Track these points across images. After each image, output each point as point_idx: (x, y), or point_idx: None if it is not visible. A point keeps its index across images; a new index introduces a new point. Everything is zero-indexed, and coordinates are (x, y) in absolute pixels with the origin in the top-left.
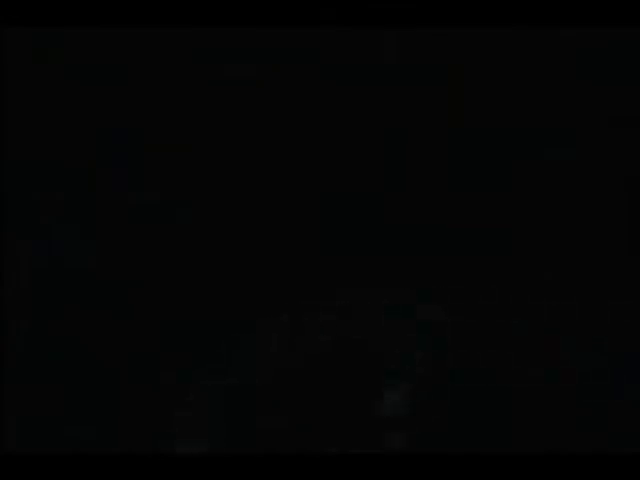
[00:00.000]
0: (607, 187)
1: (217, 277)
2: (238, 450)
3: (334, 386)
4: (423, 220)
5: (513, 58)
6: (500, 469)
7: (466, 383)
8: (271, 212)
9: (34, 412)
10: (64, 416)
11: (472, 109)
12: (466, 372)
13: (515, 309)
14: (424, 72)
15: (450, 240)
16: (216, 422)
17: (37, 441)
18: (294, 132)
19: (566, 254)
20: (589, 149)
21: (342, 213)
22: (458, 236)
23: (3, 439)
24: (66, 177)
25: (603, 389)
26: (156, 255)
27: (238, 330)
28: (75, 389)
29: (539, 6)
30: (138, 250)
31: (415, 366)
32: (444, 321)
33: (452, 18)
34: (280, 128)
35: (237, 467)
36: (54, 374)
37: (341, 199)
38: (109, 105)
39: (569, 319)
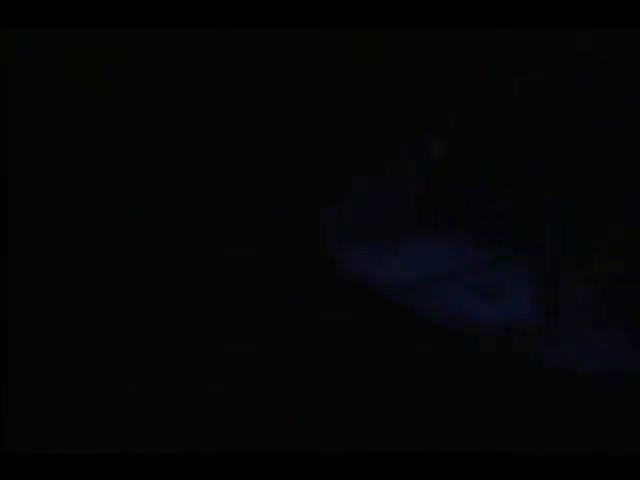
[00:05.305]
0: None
1: (218, 277)
2: (238, 450)
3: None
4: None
5: (513, 58)
6: (500, 469)
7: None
8: (271, 211)
9: (34, 412)
10: (64, 416)
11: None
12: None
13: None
14: (424, 72)
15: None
16: (216, 421)
17: (37, 441)
18: (294, 132)
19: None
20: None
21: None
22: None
23: (3, 439)
24: (66, 177)
25: (603, 389)
26: (156, 255)
27: (238, 330)
28: (75, 389)
29: (539, 6)
30: (138, 250)
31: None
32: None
33: (452, 18)
34: (280, 128)
35: (237, 467)
36: (54, 374)
37: (340, 199)
38: (109, 105)
39: None
